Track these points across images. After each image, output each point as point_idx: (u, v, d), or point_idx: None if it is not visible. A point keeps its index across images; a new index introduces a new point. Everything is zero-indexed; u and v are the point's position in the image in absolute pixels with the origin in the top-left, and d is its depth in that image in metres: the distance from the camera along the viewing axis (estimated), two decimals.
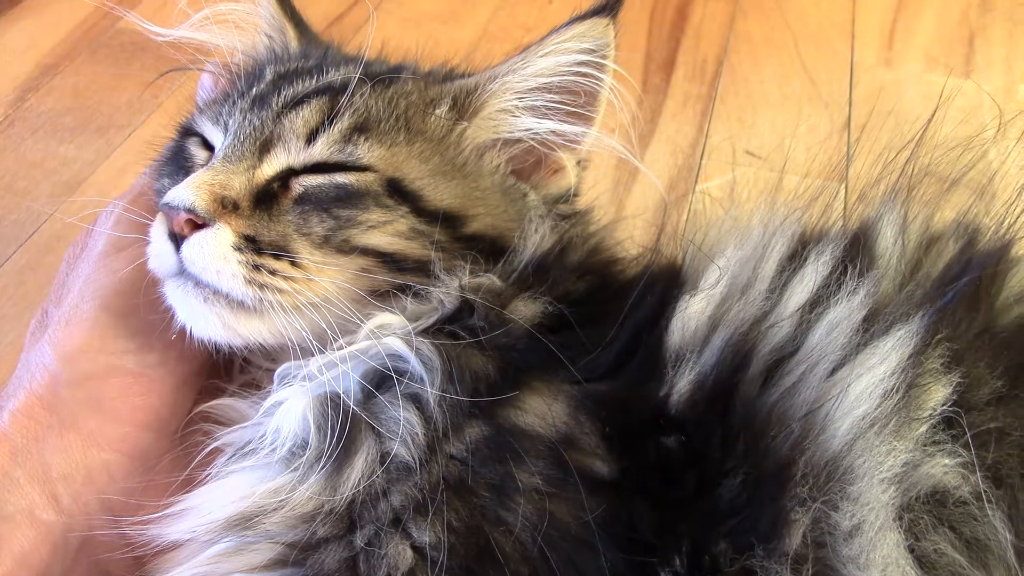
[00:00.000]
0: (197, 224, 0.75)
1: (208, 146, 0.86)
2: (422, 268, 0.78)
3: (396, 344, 0.74)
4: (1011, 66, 1.80)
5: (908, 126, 0.83)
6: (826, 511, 0.64)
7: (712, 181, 1.49)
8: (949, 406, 0.66)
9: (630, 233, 0.94)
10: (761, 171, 1.50)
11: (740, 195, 0.89)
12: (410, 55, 0.97)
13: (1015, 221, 0.79)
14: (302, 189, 0.78)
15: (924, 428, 0.66)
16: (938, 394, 0.66)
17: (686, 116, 1.65)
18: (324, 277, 0.76)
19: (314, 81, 0.85)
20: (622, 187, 1.45)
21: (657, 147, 1.57)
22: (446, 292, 0.77)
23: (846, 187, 0.87)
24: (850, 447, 0.66)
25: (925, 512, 0.65)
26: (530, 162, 0.87)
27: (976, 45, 1.85)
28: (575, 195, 0.90)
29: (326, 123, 0.80)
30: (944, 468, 0.64)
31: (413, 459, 0.70)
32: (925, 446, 0.65)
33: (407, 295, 0.77)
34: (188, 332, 0.78)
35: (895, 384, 0.66)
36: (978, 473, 0.64)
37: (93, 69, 1.70)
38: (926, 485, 0.65)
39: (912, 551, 0.63)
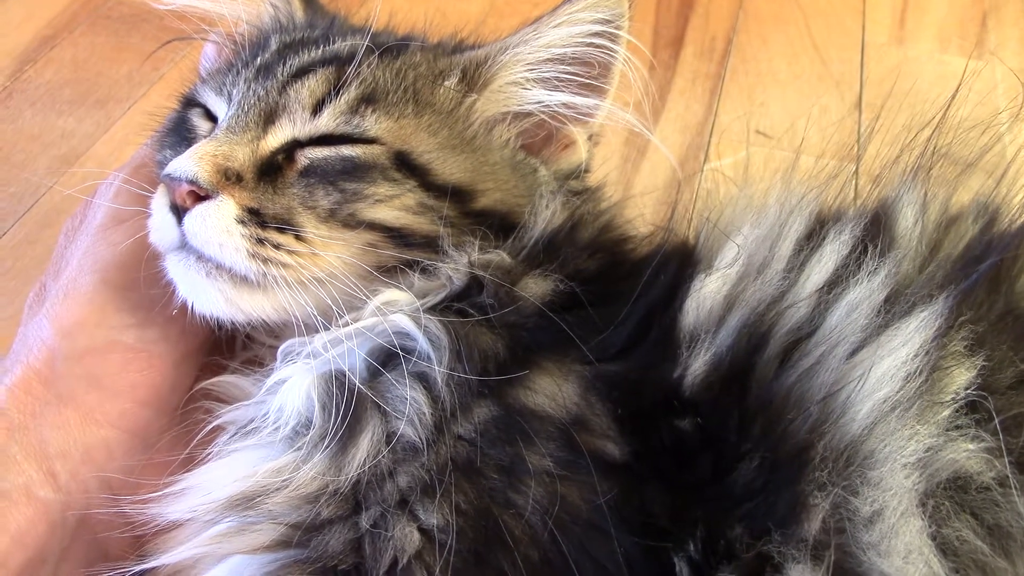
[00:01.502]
0: (199, 196, 0.73)
1: (211, 117, 0.85)
2: (430, 244, 0.77)
3: (403, 321, 0.72)
4: None
5: (922, 106, 0.81)
6: (846, 496, 0.63)
7: (722, 160, 1.47)
8: (973, 390, 0.64)
9: (640, 211, 0.92)
10: (772, 151, 1.48)
11: (752, 175, 0.88)
12: (418, 27, 0.95)
13: None
14: (307, 161, 0.76)
15: (947, 412, 0.64)
16: (962, 377, 0.65)
17: (695, 94, 1.63)
18: (329, 252, 0.74)
19: (320, 51, 0.83)
20: (630, 165, 1.43)
21: (666, 125, 1.55)
22: (455, 268, 0.75)
23: (857, 167, 0.85)
24: (870, 431, 0.64)
25: (947, 498, 0.63)
26: (541, 136, 0.86)
27: (989, 25, 1.83)
28: (586, 171, 0.88)
29: (332, 94, 0.78)
30: (967, 453, 0.63)
31: (420, 439, 0.68)
32: (948, 431, 0.64)
33: (415, 271, 0.76)
34: (189, 307, 0.76)
35: (918, 367, 0.64)
36: (1005, 458, 0.62)
37: (92, 40, 1.67)
38: (949, 470, 0.63)
39: (934, 538, 0.62)
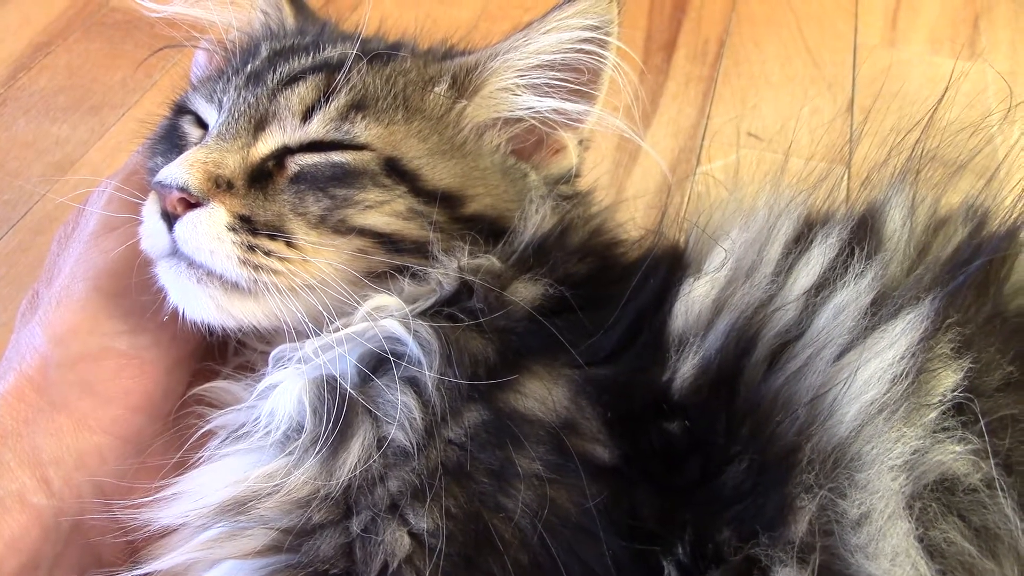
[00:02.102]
0: (190, 203, 0.73)
1: (202, 124, 0.85)
2: (420, 249, 0.77)
3: (393, 326, 0.73)
4: (1016, 48, 1.79)
5: (913, 108, 0.81)
6: (833, 498, 0.63)
7: (714, 163, 1.48)
8: (960, 392, 0.64)
9: (631, 215, 0.93)
10: (763, 153, 1.49)
11: (742, 178, 0.89)
12: (409, 33, 0.95)
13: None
14: (298, 168, 0.77)
15: (934, 414, 0.64)
16: (948, 380, 0.65)
17: (687, 97, 1.63)
18: (320, 258, 0.74)
19: (310, 58, 0.83)
20: (622, 169, 1.44)
21: (658, 129, 1.56)
22: (444, 273, 0.75)
23: (848, 170, 0.85)
24: (858, 433, 0.64)
25: (933, 500, 0.63)
26: (531, 142, 0.86)
27: (981, 27, 1.83)
28: (576, 176, 0.88)
29: (322, 100, 0.79)
30: (954, 455, 0.63)
31: (411, 444, 0.69)
32: (934, 432, 0.64)
33: (405, 276, 0.76)
34: (180, 314, 0.76)
35: (904, 369, 0.65)
36: (991, 460, 0.62)
37: (86, 47, 1.67)
38: (935, 472, 0.63)
39: (921, 540, 0.62)
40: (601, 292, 0.76)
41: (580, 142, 0.87)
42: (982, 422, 0.63)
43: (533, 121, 0.84)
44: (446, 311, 0.74)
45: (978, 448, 0.63)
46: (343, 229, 0.75)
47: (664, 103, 1.62)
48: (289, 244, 0.74)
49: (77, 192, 0.89)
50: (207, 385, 0.82)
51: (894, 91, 1.35)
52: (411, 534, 0.66)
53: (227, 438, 0.76)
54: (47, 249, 0.88)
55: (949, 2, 1.90)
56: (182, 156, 0.75)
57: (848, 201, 0.82)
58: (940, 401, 0.65)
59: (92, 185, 0.88)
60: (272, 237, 0.74)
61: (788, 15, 1.84)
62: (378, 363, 0.73)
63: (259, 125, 0.78)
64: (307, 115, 0.78)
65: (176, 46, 0.95)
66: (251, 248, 0.73)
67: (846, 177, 0.84)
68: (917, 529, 0.62)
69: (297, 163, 0.77)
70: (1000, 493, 0.62)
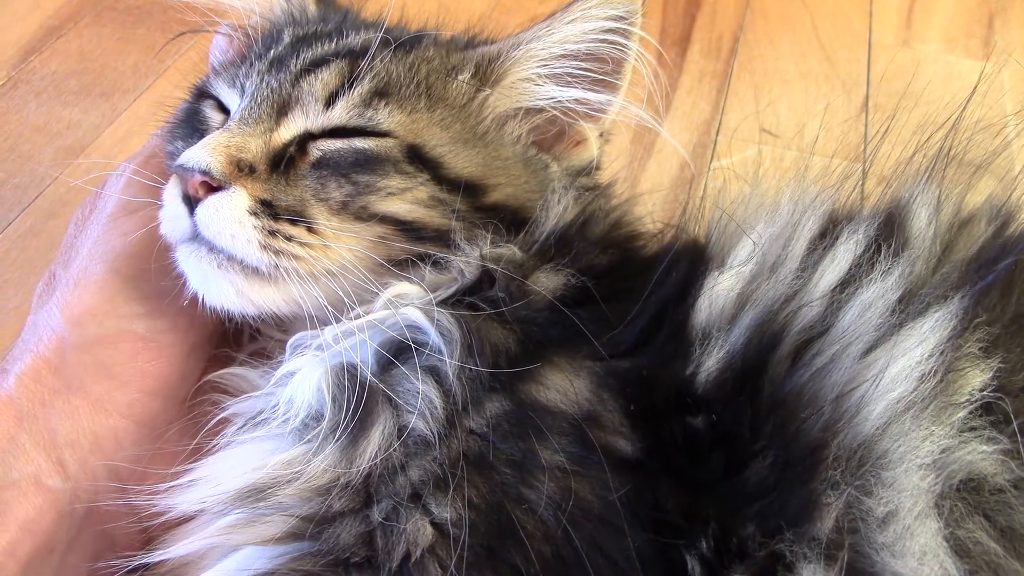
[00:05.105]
0: (212, 187, 0.73)
1: (223, 109, 0.84)
2: (441, 237, 0.77)
3: (414, 314, 0.72)
4: None
5: (929, 108, 0.81)
6: (859, 496, 0.63)
7: (730, 158, 1.47)
8: (989, 392, 0.64)
9: (649, 210, 0.92)
10: (777, 150, 1.48)
11: (759, 174, 0.89)
12: (431, 23, 0.94)
13: None
14: (320, 154, 0.76)
15: (962, 413, 0.64)
16: (977, 379, 0.65)
17: (701, 92, 1.63)
18: (341, 244, 0.74)
19: (334, 44, 0.83)
20: (637, 163, 1.43)
21: (672, 123, 1.55)
22: (466, 262, 0.75)
23: (864, 168, 0.85)
24: (884, 431, 0.64)
25: (960, 500, 0.63)
26: (552, 133, 0.85)
27: (996, 26, 1.82)
28: (597, 168, 0.88)
29: (345, 86, 0.78)
30: (982, 455, 0.63)
31: (432, 433, 0.68)
32: (962, 432, 0.64)
33: (426, 264, 0.76)
34: (200, 299, 0.76)
35: (933, 367, 0.64)
36: None
37: (98, 31, 1.67)
38: (964, 472, 0.63)
39: (948, 540, 0.62)
40: (623, 284, 0.76)
41: (601, 134, 0.87)
42: (1015, 422, 0.63)
43: (555, 111, 0.83)
44: (467, 300, 0.74)
45: (1008, 448, 0.63)
46: (365, 216, 0.75)
47: (678, 98, 1.61)
48: (310, 229, 0.73)
49: (89, 176, 0.88)
50: (223, 371, 0.82)
51: (910, 90, 1.35)
52: (434, 524, 0.66)
53: (245, 425, 0.75)
54: (59, 233, 0.88)
55: (964, 2, 1.89)
56: (204, 139, 0.75)
57: (865, 199, 0.82)
58: (968, 400, 0.64)
59: (104, 169, 0.88)
60: (293, 222, 0.73)
61: (802, 12, 1.84)
62: (398, 351, 0.73)
63: (282, 110, 0.78)
64: (330, 101, 0.78)
65: (195, 31, 0.94)
66: (272, 233, 0.72)
67: (863, 175, 0.84)
68: (946, 529, 0.62)
69: (319, 149, 0.76)
70: None
